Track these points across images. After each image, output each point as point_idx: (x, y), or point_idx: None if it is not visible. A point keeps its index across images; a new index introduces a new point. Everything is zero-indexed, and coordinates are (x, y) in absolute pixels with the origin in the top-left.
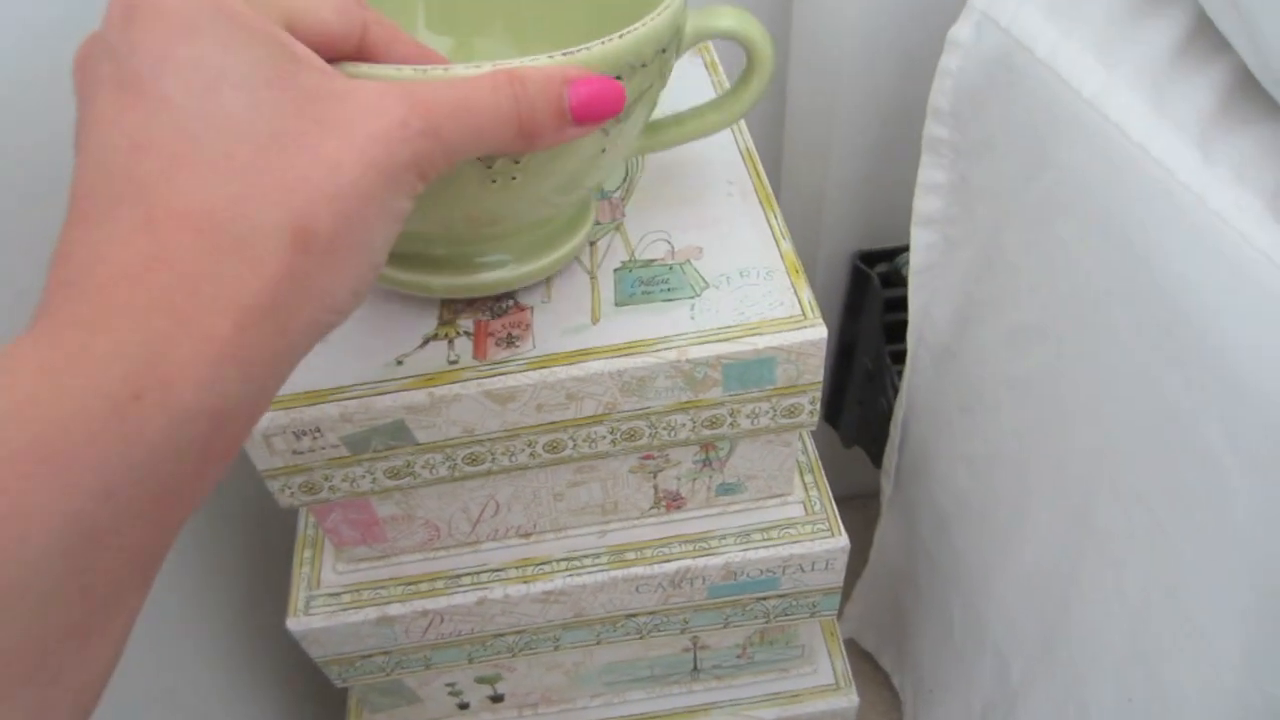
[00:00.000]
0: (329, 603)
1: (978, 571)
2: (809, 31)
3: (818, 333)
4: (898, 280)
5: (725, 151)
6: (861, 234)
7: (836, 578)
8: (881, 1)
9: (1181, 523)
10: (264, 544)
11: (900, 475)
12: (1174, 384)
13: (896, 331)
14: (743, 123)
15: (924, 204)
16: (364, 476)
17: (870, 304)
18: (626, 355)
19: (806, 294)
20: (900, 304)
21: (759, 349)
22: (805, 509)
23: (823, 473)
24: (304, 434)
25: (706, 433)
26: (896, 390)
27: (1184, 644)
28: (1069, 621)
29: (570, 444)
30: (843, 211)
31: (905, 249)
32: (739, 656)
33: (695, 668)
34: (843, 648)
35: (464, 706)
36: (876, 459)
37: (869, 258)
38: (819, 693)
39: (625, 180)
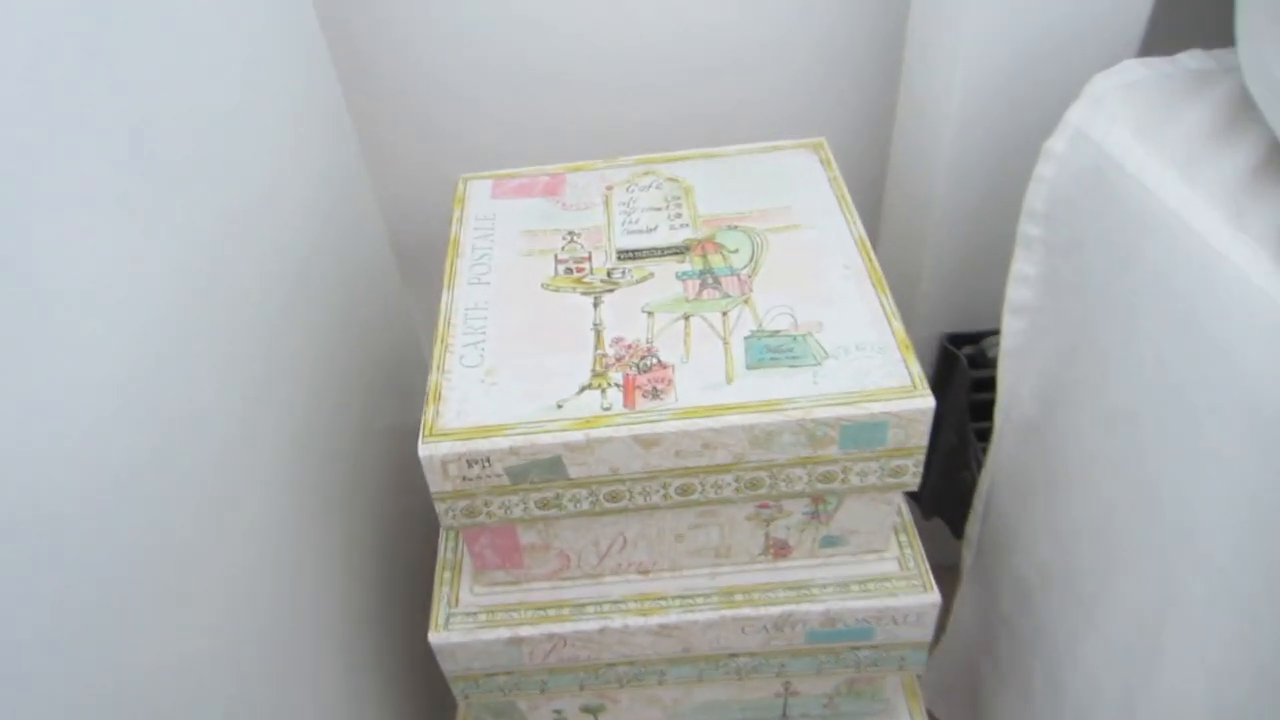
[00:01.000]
0: (466, 621)
1: (1060, 639)
2: (909, 140)
3: (926, 402)
4: (983, 362)
5: (841, 238)
6: (950, 318)
7: (926, 632)
8: (978, 114)
9: (1265, 595)
10: (401, 566)
11: (982, 546)
12: (1253, 467)
13: (979, 410)
14: (855, 212)
15: (1016, 293)
16: (518, 505)
17: (957, 382)
18: (758, 412)
19: (916, 368)
20: (984, 384)
21: (874, 414)
22: (900, 565)
23: (916, 534)
24: (475, 463)
25: (820, 486)
26: (980, 464)
27: (1269, 713)
28: (1150, 687)
29: (699, 488)
30: (935, 297)
31: (991, 333)
32: (825, 706)
33: (784, 714)
34: (924, 707)
35: None
36: (958, 529)
37: (956, 339)
38: None
39: (752, 259)
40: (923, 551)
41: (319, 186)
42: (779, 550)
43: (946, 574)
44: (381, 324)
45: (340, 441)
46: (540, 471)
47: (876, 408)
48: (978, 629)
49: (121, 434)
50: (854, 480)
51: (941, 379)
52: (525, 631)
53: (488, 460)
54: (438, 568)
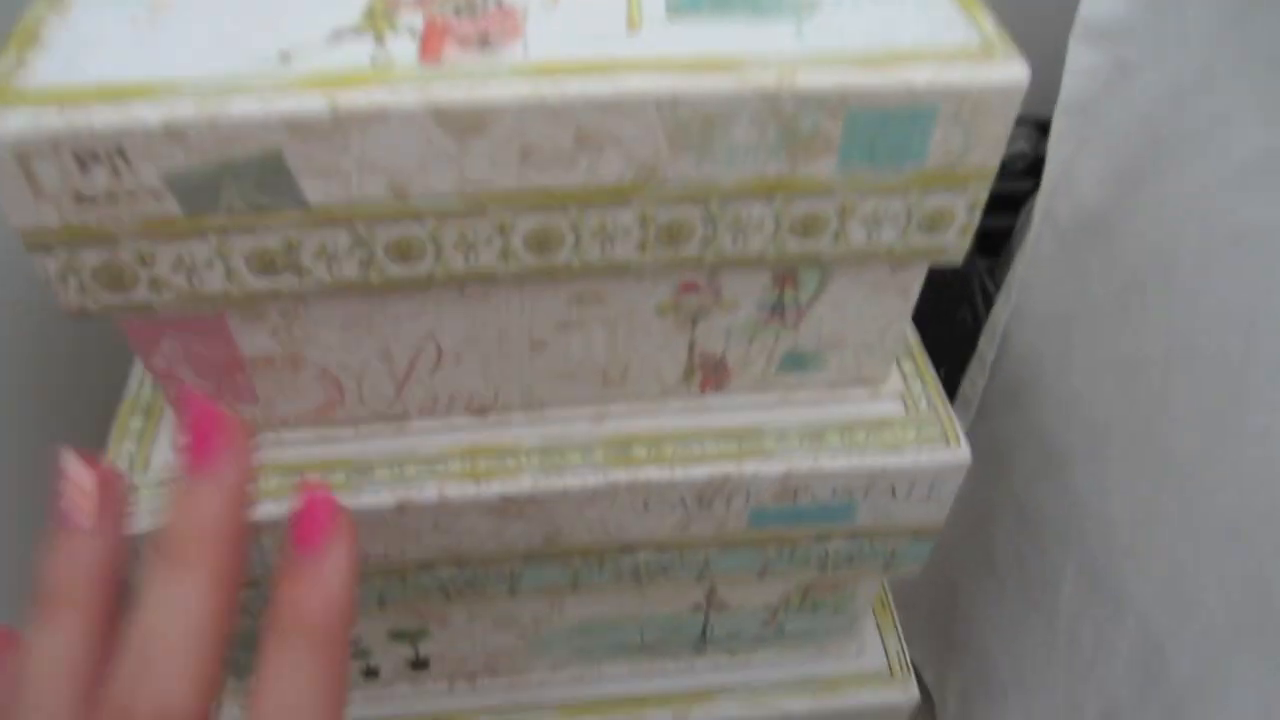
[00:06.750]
0: (159, 495)
1: (1121, 518)
2: None
3: (1014, 72)
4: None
5: None
6: None
7: (940, 510)
8: None
9: None
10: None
11: (987, 403)
12: None
13: (984, 242)
14: None
15: (1097, 8)
16: (212, 264)
17: None
18: (688, 73)
19: (989, 21)
20: (995, 203)
21: (915, 88)
22: (906, 405)
23: (928, 362)
24: (95, 159)
25: (793, 246)
26: (988, 297)
27: None
28: None
29: (571, 239)
30: None
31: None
32: (766, 624)
33: (703, 636)
34: (898, 623)
35: (372, 673)
36: (950, 387)
37: None
38: (866, 681)
39: None
40: (940, 387)
41: None
42: (711, 376)
43: None
44: None
45: None
46: (245, 188)
47: (920, 76)
48: (967, 515)
49: None
50: (856, 235)
51: None
52: (264, 512)
53: (122, 155)
54: (120, 412)
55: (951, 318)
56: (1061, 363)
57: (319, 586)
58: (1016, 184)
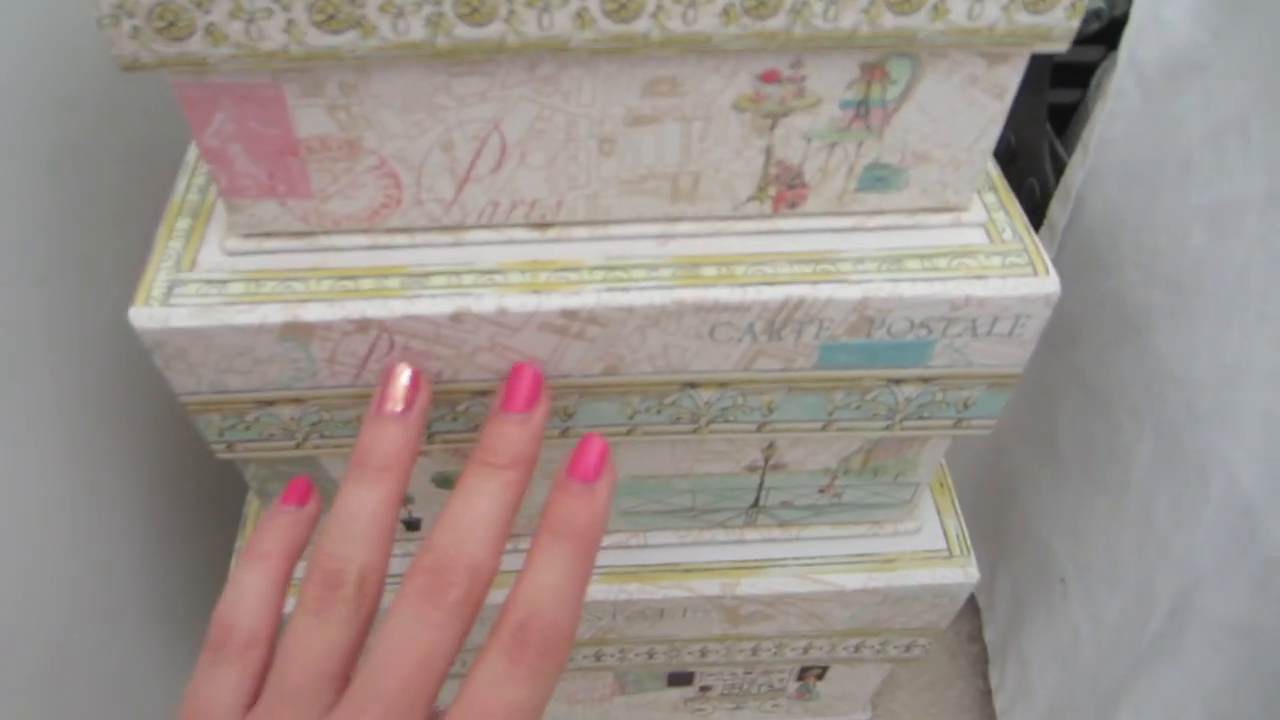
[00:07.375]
0: (206, 291)
1: (1208, 378)
2: None
3: None
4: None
5: None
6: None
7: (1021, 353)
8: None
9: None
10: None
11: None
12: None
13: (1057, 116)
14: None
15: None
16: (271, 12)
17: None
18: None
19: None
20: (1067, 72)
21: None
22: (990, 235)
23: (1011, 194)
24: None
25: (888, 22)
26: (1059, 165)
27: None
28: None
29: (653, 4)
30: None
31: None
32: (822, 490)
33: (756, 503)
34: (957, 503)
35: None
36: None
37: None
38: (924, 560)
39: None
40: (1024, 218)
41: None
42: (786, 193)
43: None
44: None
45: None
46: None
47: None
48: (1027, 400)
49: None
50: (957, 8)
51: None
52: (315, 313)
53: None
54: (167, 213)
55: (1018, 190)
56: (1143, 221)
57: (587, 508)
58: (1087, 53)
